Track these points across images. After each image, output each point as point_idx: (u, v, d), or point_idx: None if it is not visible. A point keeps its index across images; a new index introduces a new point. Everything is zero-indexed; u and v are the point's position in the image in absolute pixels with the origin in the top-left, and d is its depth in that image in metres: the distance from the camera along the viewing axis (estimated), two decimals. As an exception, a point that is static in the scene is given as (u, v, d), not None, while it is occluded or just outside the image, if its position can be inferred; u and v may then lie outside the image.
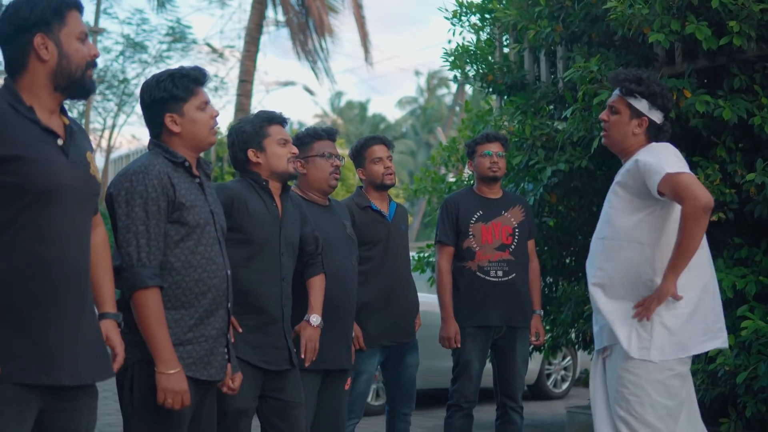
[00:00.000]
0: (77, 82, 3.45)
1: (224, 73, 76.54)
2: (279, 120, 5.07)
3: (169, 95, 4.20)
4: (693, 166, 6.86)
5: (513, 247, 6.86)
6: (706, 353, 6.66)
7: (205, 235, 4.15)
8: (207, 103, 4.28)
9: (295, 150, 5.09)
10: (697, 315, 4.69)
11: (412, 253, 9.14)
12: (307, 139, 5.65)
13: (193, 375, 4.07)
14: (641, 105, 4.83)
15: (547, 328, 8.89)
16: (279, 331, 4.86)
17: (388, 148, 6.55)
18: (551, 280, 9.00)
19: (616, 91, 4.95)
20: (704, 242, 4.78)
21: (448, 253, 6.90)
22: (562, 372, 13.15)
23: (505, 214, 6.91)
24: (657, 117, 4.84)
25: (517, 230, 6.90)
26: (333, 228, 5.61)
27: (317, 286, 5.21)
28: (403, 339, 6.48)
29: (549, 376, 12.99)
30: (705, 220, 4.55)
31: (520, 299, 6.87)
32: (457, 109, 39.29)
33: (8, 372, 3.14)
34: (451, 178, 9.73)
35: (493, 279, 6.78)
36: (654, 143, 4.83)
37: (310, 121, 66.53)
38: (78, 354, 3.34)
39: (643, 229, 4.73)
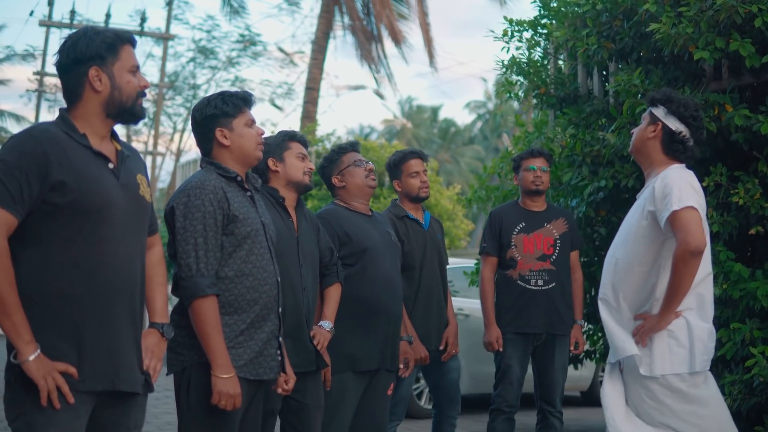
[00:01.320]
0: (128, 110, 3.77)
1: (294, 78, 76.88)
2: (300, 139, 5.44)
3: (220, 111, 4.53)
4: (734, 180, 7.04)
5: (554, 257, 7.09)
6: (743, 363, 6.84)
7: (257, 245, 4.44)
8: (254, 122, 4.60)
9: (312, 166, 5.41)
10: (696, 335, 4.80)
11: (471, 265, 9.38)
12: (335, 156, 6.00)
13: (245, 375, 4.35)
14: (659, 111, 5.01)
15: (600, 335, 9.06)
16: (302, 335, 5.12)
17: (423, 161, 6.82)
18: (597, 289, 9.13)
19: (648, 108, 5.14)
20: (707, 260, 4.89)
21: (491, 263, 7.15)
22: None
23: (548, 225, 7.14)
24: (672, 124, 4.96)
25: (558, 241, 7.13)
26: (380, 235, 5.88)
27: (333, 295, 5.47)
28: (439, 343, 6.71)
29: (602, 383, 13.02)
30: (694, 263, 4.66)
31: (559, 308, 7.09)
32: (523, 116, 39.32)
33: (66, 380, 3.45)
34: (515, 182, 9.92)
35: (534, 287, 7.02)
36: (673, 166, 4.95)
37: (379, 126, 66.71)
38: (128, 364, 3.66)
39: (660, 256, 4.88)
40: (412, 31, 27.63)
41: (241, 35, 31.97)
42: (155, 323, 4.03)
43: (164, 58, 28.59)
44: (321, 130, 34.40)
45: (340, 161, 5.96)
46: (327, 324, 5.36)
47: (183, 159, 33.88)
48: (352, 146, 6.06)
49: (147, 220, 3.91)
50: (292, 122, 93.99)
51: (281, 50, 34.22)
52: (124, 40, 3.78)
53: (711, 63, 6.89)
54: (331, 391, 5.42)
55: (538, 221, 7.19)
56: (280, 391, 4.67)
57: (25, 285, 3.45)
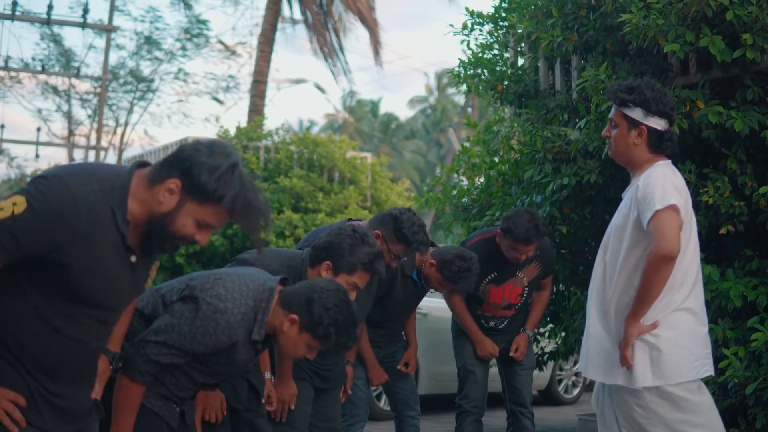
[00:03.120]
0: (155, 238, 3.35)
1: (236, 70, 76.39)
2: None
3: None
4: (703, 177, 6.91)
5: (519, 305, 7.09)
6: (716, 365, 6.72)
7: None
8: None
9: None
10: (686, 340, 4.67)
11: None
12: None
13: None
14: (636, 114, 4.77)
15: (562, 334, 8.95)
16: (242, 375, 5.00)
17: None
18: (563, 287, 9.03)
19: (614, 105, 4.95)
20: (697, 266, 4.78)
21: (459, 296, 7.05)
22: (573, 378, 13.19)
23: (519, 273, 7.00)
24: (656, 123, 4.77)
25: (526, 289, 7.08)
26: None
27: None
28: (390, 345, 6.75)
29: (560, 381, 13.04)
30: (666, 269, 4.49)
31: (517, 331, 7.21)
32: (469, 110, 39.37)
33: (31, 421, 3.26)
34: (464, 183, 9.76)
35: (491, 327, 7.10)
36: (659, 163, 4.78)
37: (321, 120, 66.62)
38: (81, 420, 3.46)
39: (644, 258, 4.65)
40: (354, 23, 27.42)
41: (188, 27, 31.77)
42: (108, 350, 3.86)
43: (107, 50, 28.16)
44: (269, 124, 34.25)
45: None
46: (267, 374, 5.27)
47: (126, 154, 33.56)
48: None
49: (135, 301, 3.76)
50: (235, 115, 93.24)
51: (221, 43, 34.03)
52: (221, 202, 3.27)
53: (681, 56, 6.74)
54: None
55: (511, 270, 6.97)
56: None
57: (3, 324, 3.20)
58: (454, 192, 9.49)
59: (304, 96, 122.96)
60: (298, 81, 51.87)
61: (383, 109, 75.50)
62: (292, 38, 66.70)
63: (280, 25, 26.61)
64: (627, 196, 4.84)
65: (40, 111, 33.83)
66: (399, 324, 6.79)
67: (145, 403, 4.15)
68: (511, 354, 7.14)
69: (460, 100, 48.05)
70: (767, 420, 6.54)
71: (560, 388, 13.02)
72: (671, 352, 4.60)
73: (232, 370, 4.29)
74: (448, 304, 7.14)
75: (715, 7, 6.43)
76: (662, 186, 4.60)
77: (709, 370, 4.82)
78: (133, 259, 3.32)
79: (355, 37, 27.15)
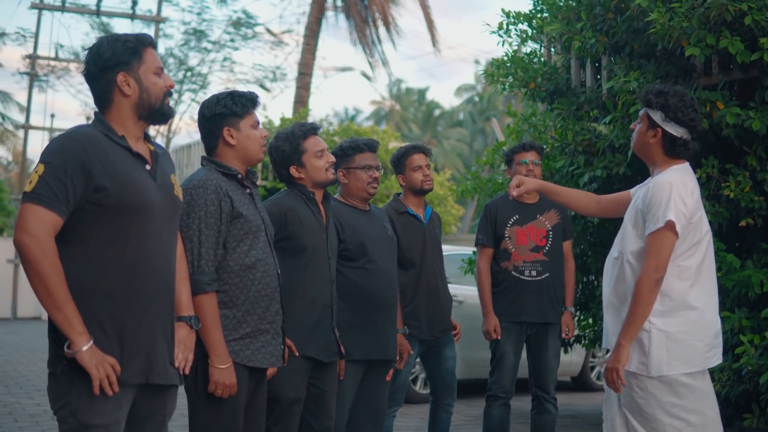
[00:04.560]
0: (157, 111, 3.93)
1: (282, 59, 76.58)
2: (312, 131, 5.50)
3: (229, 111, 4.69)
4: (725, 173, 7.24)
5: (547, 248, 7.28)
6: (732, 351, 7.03)
7: (258, 239, 4.62)
8: (258, 123, 4.77)
9: (332, 158, 5.52)
10: (696, 332, 4.84)
11: (468, 252, 9.60)
12: (349, 151, 6.07)
13: (252, 364, 4.56)
14: (656, 116, 4.99)
15: (590, 322, 9.29)
16: (330, 326, 5.33)
17: (426, 156, 6.97)
18: (593, 278, 9.36)
19: (643, 108, 5.24)
20: (703, 256, 4.93)
21: (487, 255, 7.35)
22: (606, 365, 13.38)
23: (540, 217, 7.32)
24: (672, 129, 4.97)
25: (551, 233, 7.32)
26: (376, 230, 6.02)
27: None
28: (439, 333, 6.90)
29: (593, 368, 13.28)
30: (656, 290, 4.73)
31: (552, 297, 7.29)
32: (513, 104, 39.56)
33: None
34: (499, 179, 10.08)
35: (527, 278, 7.21)
36: (674, 167, 4.97)
37: (367, 107, 66.81)
38: (161, 359, 3.85)
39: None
40: (402, 14, 27.76)
41: (238, 19, 32.12)
42: (183, 316, 4.20)
43: (156, 42, 28.67)
44: (312, 115, 34.57)
45: (351, 158, 6.08)
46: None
47: (174, 141, 34.04)
48: (369, 147, 6.13)
49: (178, 218, 4.10)
50: (280, 104, 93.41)
51: (269, 31, 34.32)
52: (146, 43, 3.93)
53: (701, 60, 7.07)
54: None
55: (531, 213, 7.37)
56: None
57: (69, 282, 3.61)
58: (489, 184, 9.84)
59: (350, 84, 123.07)
60: (345, 69, 51.68)
61: (429, 98, 75.43)
62: (340, 26, 67.03)
63: (326, 14, 26.99)
64: (641, 192, 5.09)
65: (87, 104, 34.16)
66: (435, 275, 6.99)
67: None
68: (564, 337, 7.41)
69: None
70: (779, 405, 6.86)
71: (593, 375, 13.28)
72: (686, 343, 4.79)
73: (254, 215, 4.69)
74: (476, 269, 7.46)
75: (734, 12, 6.75)
76: (667, 198, 4.80)
77: (718, 359, 5.01)
78: (148, 167, 3.88)
79: (405, 25, 27.46)
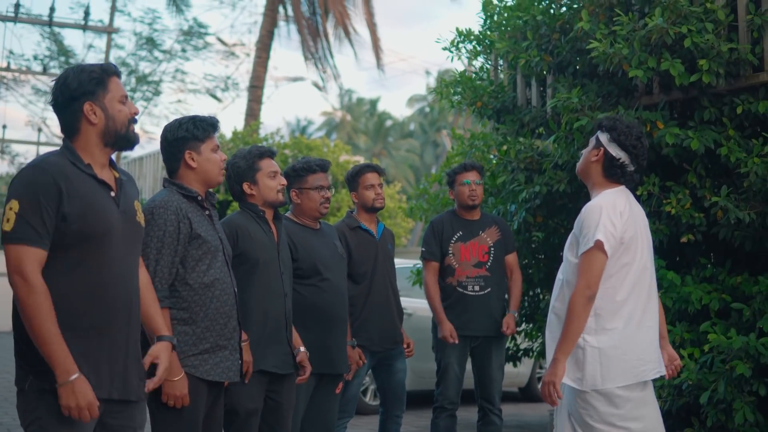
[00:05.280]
0: (123, 138, 4.10)
1: (234, 69, 76.20)
2: (269, 154, 5.71)
3: (191, 135, 4.88)
4: (666, 190, 7.46)
5: (489, 264, 7.55)
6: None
7: (216, 259, 4.79)
8: (218, 147, 4.94)
9: (284, 182, 5.72)
10: (629, 347, 5.03)
11: (418, 263, 9.77)
12: (302, 172, 6.27)
13: (211, 378, 4.73)
14: (603, 137, 5.27)
15: (538, 334, 9.49)
16: (284, 339, 5.50)
17: (380, 175, 7.17)
18: (539, 290, 9.57)
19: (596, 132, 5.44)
20: (637, 274, 5.13)
21: (433, 268, 7.59)
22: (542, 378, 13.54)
23: (482, 234, 7.59)
24: (614, 150, 5.19)
25: (492, 248, 7.58)
26: (326, 248, 6.22)
27: None
28: (390, 345, 7.10)
29: (540, 379, 13.46)
30: (588, 307, 4.94)
31: (495, 312, 7.54)
32: (463, 113, 39.77)
33: None
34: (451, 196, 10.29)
35: (471, 293, 7.49)
36: (607, 191, 5.18)
37: (318, 118, 66.81)
38: (126, 373, 4.00)
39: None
40: (354, 23, 27.87)
41: (189, 29, 32.09)
42: (164, 337, 4.38)
43: (107, 52, 28.59)
44: (264, 127, 34.60)
45: (304, 179, 6.26)
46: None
47: (127, 155, 33.92)
48: (321, 167, 6.33)
49: (140, 242, 4.25)
50: (231, 116, 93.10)
51: (221, 41, 34.34)
52: (110, 72, 4.09)
53: (644, 81, 7.29)
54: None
55: (474, 230, 7.62)
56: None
57: None
58: (437, 201, 10.03)
59: (301, 94, 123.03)
60: (296, 79, 51.71)
61: (381, 108, 75.57)
62: (291, 37, 67.10)
63: (278, 24, 27.09)
64: (577, 219, 5.30)
65: (42, 118, 34.02)
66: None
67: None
68: (502, 331, 7.52)
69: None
70: (717, 418, 7.06)
71: (540, 386, 13.41)
72: (618, 358, 4.99)
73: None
74: (424, 282, 7.65)
75: (674, 35, 6.97)
76: (596, 220, 5.01)
77: (658, 372, 5.20)
78: (112, 194, 4.03)
79: (355, 37, 27.39)
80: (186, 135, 4.87)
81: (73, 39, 66.81)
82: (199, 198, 4.85)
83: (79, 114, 4.00)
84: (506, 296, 7.75)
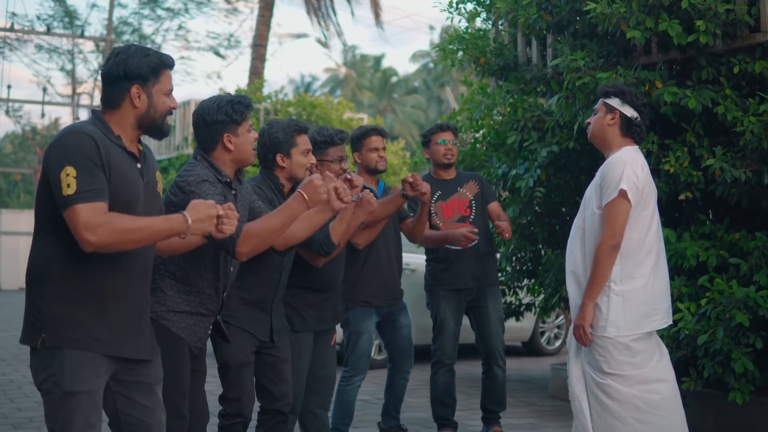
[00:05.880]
0: (158, 127, 4.24)
1: (237, 26, 76.19)
2: (305, 130, 5.82)
3: (230, 118, 5.01)
4: (665, 148, 7.61)
5: (472, 217, 7.71)
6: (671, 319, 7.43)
7: None
8: (251, 127, 5.11)
9: (314, 160, 5.83)
10: (645, 296, 5.39)
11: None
12: (323, 145, 6.34)
13: (182, 335, 4.93)
14: (614, 101, 5.59)
15: (540, 288, 9.70)
16: (268, 308, 5.66)
17: (383, 138, 7.32)
18: (541, 247, 9.74)
19: (600, 99, 5.70)
20: (656, 226, 5.50)
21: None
22: (555, 330, 13.84)
23: (461, 190, 7.76)
24: (628, 111, 5.57)
25: (473, 202, 7.74)
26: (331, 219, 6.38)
27: None
28: (393, 301, 7.29)
29: (543, 333, 13.70)
30: (614, 255, 5.30)
31: (484, 261, 7.73)
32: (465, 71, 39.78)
33: (88, 344, 3.96)
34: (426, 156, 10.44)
35: (458, 247, 7.55)
36: (626, 147, 5.52)
37: (322, 75, 66.72)
38: (139, 333, 4.18)
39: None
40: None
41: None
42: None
43: (111, 11, 28.76)
44: (268, 85, 34.65)
45: (325, 152, 6.34)
46: None
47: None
48: (342, 139, 6.42)
49: (158, 211, 4.36)
50: (235, 72, 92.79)
51: (225, -1, 34.37)
52: (167, 65, 4.25)
53: (642, 42, 7.42)
54: (293, 348, 5.93)
55: (452, 188, 7.78)
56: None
57: (58, 265, 3.96)
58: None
59: (306, 50, 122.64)
60: (300, 36, 52.01)
61: (386, 65, 75.43)
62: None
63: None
64: (598, 172, 5.57)
65: (44, 77, 34.10)
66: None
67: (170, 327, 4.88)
68: (499, 232, 7.50)
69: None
70: (714, 370, 7.25)
71: (543, 340, 13.69)
72: (639, 306, 5.35)
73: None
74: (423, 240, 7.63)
75: (671, -4, 7.10)
76: (621, 171, 5.37)
77: (667, 322, 5.57)
78: (138, 165, 4.18)
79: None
80: (225, 119, 5.00)
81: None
82: (228, 181, 5.02)
83: (125, 93, 4.12)
84: (494, 249, 7.92)
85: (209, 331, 5.10)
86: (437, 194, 7.70)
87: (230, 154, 5.04)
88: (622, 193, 5.30)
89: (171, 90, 4.27)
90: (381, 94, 63.81)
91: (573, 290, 5.56)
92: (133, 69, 4.12)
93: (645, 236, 5.42)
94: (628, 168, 5.36)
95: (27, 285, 4.05)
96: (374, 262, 7.16)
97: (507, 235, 7.47)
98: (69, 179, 3.86)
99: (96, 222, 3.81)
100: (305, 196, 4.75)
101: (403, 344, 7.42)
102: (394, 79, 66.58)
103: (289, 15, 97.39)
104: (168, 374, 4.64)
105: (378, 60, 68.57)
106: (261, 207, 5.32)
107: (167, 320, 4.85)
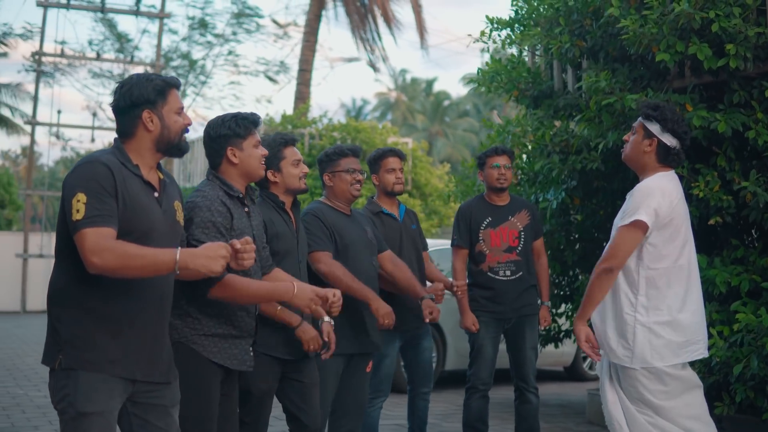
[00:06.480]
0: (175, 146, 4.36)
1: (287, 51, 76.53)
2: (292, 142, 5.88)
3: (233, 132, 5.08)
4: (695, 173, 7.57)
5: (519, 248, 7.67)
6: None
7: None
8: (260, 142, 5.16)
9: (306, 169, 5.89)
10: (677, 326, 5.27)
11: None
12: (334, 156, 6.47)
13: (216, 360, 4.91)
14: (654, 127, 5.44)
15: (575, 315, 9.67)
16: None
17: (401, 160, 7.35)
18: (577, 272, 9.73)
19: (640, 117, 5.60)
20: (687, 257, 5.39)
21: (462, 255, 7.76)
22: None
23: (512, 219, 7.71)
24: (667, 140, 5.41)
25: (522, 233, 7.70)
26: (356, 233, 6.40)
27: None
28: (416, 325, 7.23)
29: (585, 359, 13.57)
30: (607, 279, 5.25)
31: (526, 294, 7.68)
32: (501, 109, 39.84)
33: (103, 366, 4.05)
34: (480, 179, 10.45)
35: (502, 278, 7.60)
36: (660, 173, 5.40)
37: (373, 99, 66.86)
38: (153, 357, 4.25)
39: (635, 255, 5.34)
40: (402, 9, 28.21)
41: (238, 13, 32.32)
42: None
43: (159, 37, 29.00)
44: (313, 111, 34.82)
45: (336, 163, 6.45)
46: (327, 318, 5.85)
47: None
48: (353, 152, 6.52)
49: (178, 240, 4.47)
50: (286, 98, 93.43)
51: (275, 22, 34.58)
52: (172, 85, 4.36)
53: (671, 64, 7.39)
54: (319, 369, 5.89)
55: (503, 215, 7.75)
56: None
57: (75, 288, 4.06)
58: (475, 188, 10.18)
59: (357, 74, 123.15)
60: (351, 59, 51.92)
61: (437, 88, 75.48)
62: (339, 18, 67.15)
63: (327, 7, 27.34)
64: (628, 195, 5.50)
65: (98, 103, 34.37)
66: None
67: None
68: (541, 327, 7.83)
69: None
70: (746, 395, 7.20)
71: (585, 365, 13.61)
72: (668, 336, 5.23)
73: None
74: (452, 269, 7.81)
75: (701, 19, 7.06)
76: (645, 199, 5.27)
77: (701, 354, 5.43)
78: (156, 194, 4.28)
79: (409, 16, 27.90)
80: (228, 132, 5.07)
81: (127, 24, 67.41)
82: (240, 196, 5.07)
83: (137, 120, 4.25)
84: (536, 281, 7.86)
85: (251, 353, 5.10)
86: (487, 220, 7.69)
87: (236, 168, 5.09)
88: (637, 224, 5.20)
89: (182, 108, 4.38)
90: (433, 118, 63.86)
91: (595, 317, 5.46)
92: (139, 95, 4.24)
93: (673, 267, 5.30)
94: (654, 198, 5.25)
95: (48, 307, 4.16)
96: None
97: (545, 323, 7.78)
98: (79, 205, 3.96)
99: (101, 246, 3.90)
100: (295, 293, 4.83)
101: (424, 367, 7.45)
102: (446, 102, 66.63)
103: (342, 38, 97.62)
104: (196, 398, 4.74)
105: (430, 83, 68.66)
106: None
107: (197, 344, 4.86)
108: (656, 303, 5.26)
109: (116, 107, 4.30)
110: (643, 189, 5.32)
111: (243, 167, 5.10)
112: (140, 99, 4.25)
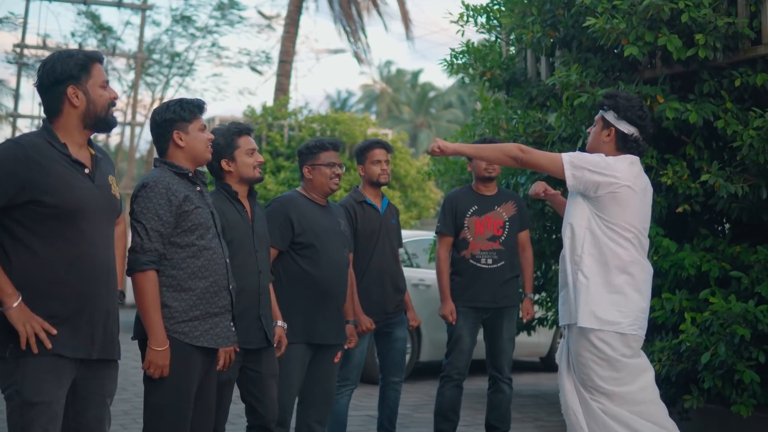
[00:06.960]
0: (102, 120, 4.39)
1: (272, 43, 76.39)
2: (247, 131, 5.91)
3: (178, 116, 5.08)
4: (664, 162, 7.61)
5: (503, 238, 7.72)
6: (672, 331, 7.43)
7: (208, 231, 4.98)
8: (205, 127, 5.15)
9: (261, 159, 5.91)
10: (615, 295, 5.37)
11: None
12: (315, 149, 6.51)
13: (202, 344, 4.91)
14: (609, 116, 5.54)
15: (551, 304, 9.71)
16: (256, 315, 5.66)
17: (387, 152, 7.41)
18: (552, 262, 9.75)
19: (599, 111, 5.69)
20: (639, 249, 5.48)
21: (446, 243, 7.80)
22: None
23: (498, 209, 7.76)
24: (624, 127, 5.49)
25: (507, 223, 7.75)
26: (329, 224, 6.42)
27: None
28: (384, 316, 7.33)
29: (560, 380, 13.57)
30: (510, 154, 5.56)
31: (506, 284, 7.72)
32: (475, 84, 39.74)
33: (52, 347, 4.09)
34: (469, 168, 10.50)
35: (483, 266, 7.65)
36: (622, 156, 5.51)
37: (358, 90, 66.77)
38: (105, 335, 4.30)
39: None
40: (386, 4, 28.16)
41: (220, 2, 32.22)
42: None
43: (142, 28, 28.93)
44: (298, 103, 34.77)
45: (317, 156, 6.49)
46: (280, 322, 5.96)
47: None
48: (334, 146, 6.58)
49: (116, 213, 4.52)
50: (268, 89, 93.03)
51: (261, 13, 34.50)
52: (94, 59, 4.39)
53: (640, 58, 7.39)
54: (281, 360, 5.94)
55: (489, 205, 7.78)
56: (221, 363, 5.21)
57: (19, 275, 4.10)
58: (455, 166, 10.25)
59: (343, 67, 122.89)
60: (337, 51, 51.89)
61: (423, 79, 75.36)
62: (321, 9, 67.08)
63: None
64: None
65: None
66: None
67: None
68: (523, 320, 7.91)
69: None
70: (714, 383, 7.22)
71: (560, 355, 13.59)
72: (607, 298, 5.35)
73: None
74: (436, 257, 7.89)
75: (670, 10, 7.08)
76: (607, 160, 5.42)
77: (639, 330, 5.44)
78: (87, 170, 4.32)
79: (384, 9, 27.67)
80: (173, 116, 5.07)
81: (110, 16, 67.26)
82: (190, 174, 5.06)
83: (62, 96, 4.28)
84: (519, 272, 7.89)
85: (233, 328, 5.11)
86: (473, 208, 7.75)
87: (183, 152, 5.07)
88: (564, 157, 5.42)
89: (106, 81, 4.41)
90: (419, 110, 63.78)
91: (562, 270, 5.59)
92: (62, 72, 4.28)
93: (626, 256, 5.41)
94: (595, 156, 5.47)
95: None
96: (372, 276, 7.22)
97: (528, 316, 7.87)
98: None
99: None
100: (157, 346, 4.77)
101: (396, 356, 7.50)
102: (431, 93, 66.55)
103: (325, 30, 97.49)
104: (175, 387, 4.79)
105: (415, 75, 68.56)
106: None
107: (179, 333, 4.85)
108: (606, 277, 5.39)
109: (40, 86, 4.33)
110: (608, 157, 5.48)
111: (189, 150, 5.08)
112: (63, 75, 4.28)
